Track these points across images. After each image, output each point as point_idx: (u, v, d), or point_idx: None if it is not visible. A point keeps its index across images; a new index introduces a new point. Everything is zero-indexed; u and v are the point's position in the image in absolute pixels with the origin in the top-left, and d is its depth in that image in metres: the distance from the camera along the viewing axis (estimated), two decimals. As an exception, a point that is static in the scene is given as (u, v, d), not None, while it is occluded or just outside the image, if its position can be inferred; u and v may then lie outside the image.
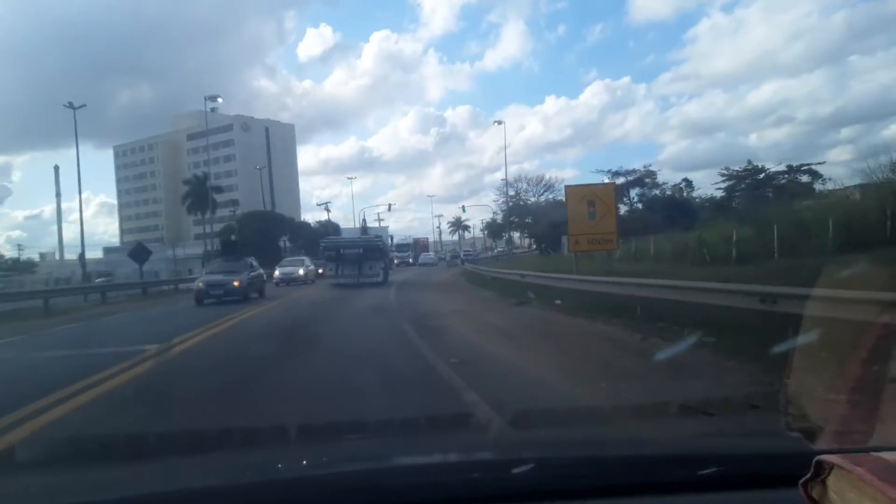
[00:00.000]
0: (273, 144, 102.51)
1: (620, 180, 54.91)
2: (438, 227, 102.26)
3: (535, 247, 77.33)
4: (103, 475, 2.14)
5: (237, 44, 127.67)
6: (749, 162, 48.38)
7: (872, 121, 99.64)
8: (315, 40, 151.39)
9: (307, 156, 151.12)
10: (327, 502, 1.55)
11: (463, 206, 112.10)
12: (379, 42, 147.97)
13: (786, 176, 46.45)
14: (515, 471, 1.56)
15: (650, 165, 58.47)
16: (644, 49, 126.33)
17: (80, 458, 3.95)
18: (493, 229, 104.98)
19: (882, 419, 2.27)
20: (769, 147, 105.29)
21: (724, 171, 48.51)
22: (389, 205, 77.18)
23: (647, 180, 56.66)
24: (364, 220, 44.10)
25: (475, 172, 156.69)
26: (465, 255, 62.87)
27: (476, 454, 2.20)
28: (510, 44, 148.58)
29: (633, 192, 56.34)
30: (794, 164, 47.47)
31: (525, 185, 74.60)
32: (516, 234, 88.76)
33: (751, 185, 46.25)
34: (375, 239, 30.54)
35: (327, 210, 58.49)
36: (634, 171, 56.82)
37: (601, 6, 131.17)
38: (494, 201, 75.84)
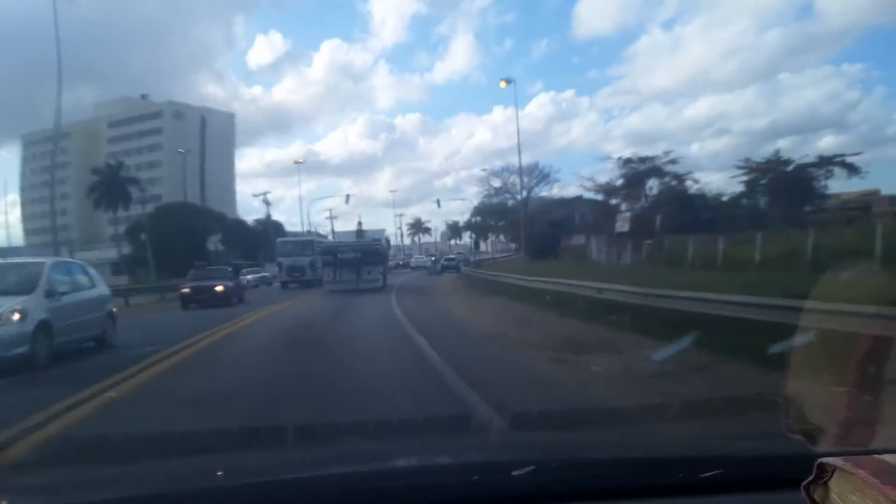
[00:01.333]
0: (210, 135, 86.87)
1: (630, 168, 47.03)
2: (400, 228, 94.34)
3: (513, 249, 69.64)
4: (103, 475, 2.13)
5: (184, 48, 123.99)
6: (776, 153, 41.90)
7: (806, 133, 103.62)
8: (265, 47, 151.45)
9: (252, 159, 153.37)
10: None
11: (438, 201, 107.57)
12: (330, 51, 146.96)
13: (816, 169, 39.99)
14: (515, 473, 1.56)
15: (672, 153, 46.90)
16: (587, 63, 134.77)
17: (79, 458, 3.94)
18: (455, 231, 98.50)
19: (884, 421, 2.26)
20: (710, 156, 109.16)
21: (743, 163, 42.36)
22: (347, 195, 67.71)
23: (668, 169, 45.78)
24: (360, 223, 43.21)
25: (423, 177, 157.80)
26: (446, 261, 54.43)
27: (475, 456, 2.20)
28: (459, 56, 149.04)
29: (649, 184, 46.82)
30: (827, 154, 41.22)
31: (511, 178, 59.33)
32: (489, 238, 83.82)
33: (777, 179, 40.03)
34: (374, 243, 29.33)
35: (266, 203, 52.38)
36: (651, 158, 46.83)
37: (547, 21, 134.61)
38: (478, 192, 64.63)
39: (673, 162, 46.03)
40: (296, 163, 50.36)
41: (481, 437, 4.08)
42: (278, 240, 40.46)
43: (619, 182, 47.38)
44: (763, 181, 41.76)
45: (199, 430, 4.48)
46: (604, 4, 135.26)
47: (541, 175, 58.78)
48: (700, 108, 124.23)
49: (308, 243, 36.23)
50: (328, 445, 3.71)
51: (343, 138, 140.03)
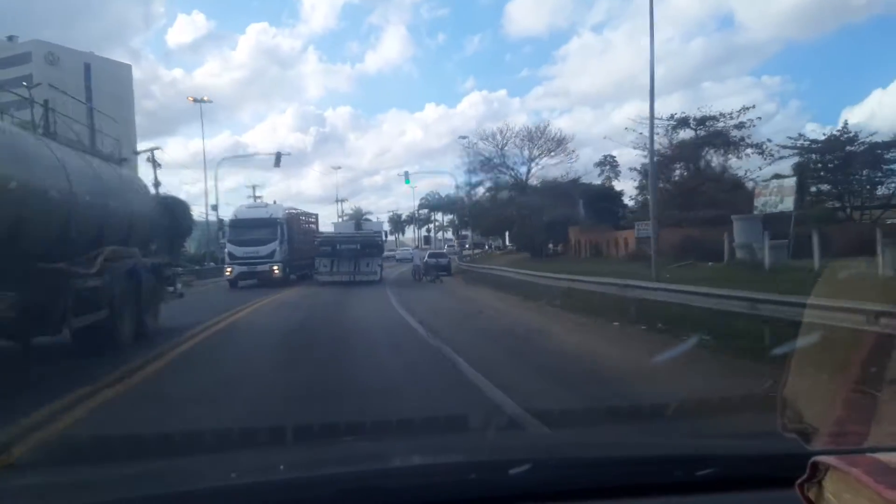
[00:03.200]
0: (99, 87, 64.28)
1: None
2: (340, 217, 74.26)
3: (496, 245, 62.35)
4: (103, 475, 2.14)
5: (95, 23, 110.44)
6: (845, 124, 32.33)
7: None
8: (187, 27, 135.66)
9: (176, 147, 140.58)
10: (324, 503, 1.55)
11: (406, 173, 69.08)
12: (256, 34, 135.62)
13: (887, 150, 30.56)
14: (512, 472, 1.56)
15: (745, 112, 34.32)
16: (519, 63, 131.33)
17: (78, 458, 3.94)
18: (397, 225, 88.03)
19: (878, 420, 2.28)
20: (634, 161, 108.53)
21: (793, 141, 32.77)
22: (278, 153, 47.59)
23: (734, 135, 34.52)
24: (360, 213, 41.85)
25: (354, 174, 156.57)
26: (432, 257, 48.43)
27: (473, 455, 2.20)
28: (391, 47, 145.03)
29: (707, 153, 35.41)
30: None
31: (508, 143, 45.65)
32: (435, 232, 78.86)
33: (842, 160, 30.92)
34: (374, 234, 28.65)
35: (154, 163, 32.22)
36: (717, 117, 34.56)
37: (480, 17, 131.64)
38: (461, 164, 50.12)
39: (741, 126, 34.14)
40: (195, 101, 42.37)
41: (478, 436, 4.09)
42: (228, 219, 29.01)
43: (669, 151, 35.53)
44: (820, 162, 32.02)
45: (199, 429, 4.49)
46: (536, 4, 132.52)
47: (554, 142, 43.67)
48: (628, 112, 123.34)
49: (270, 222, 25.72)
50: (326, 445, 3.71)
51: (272, 130, 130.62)
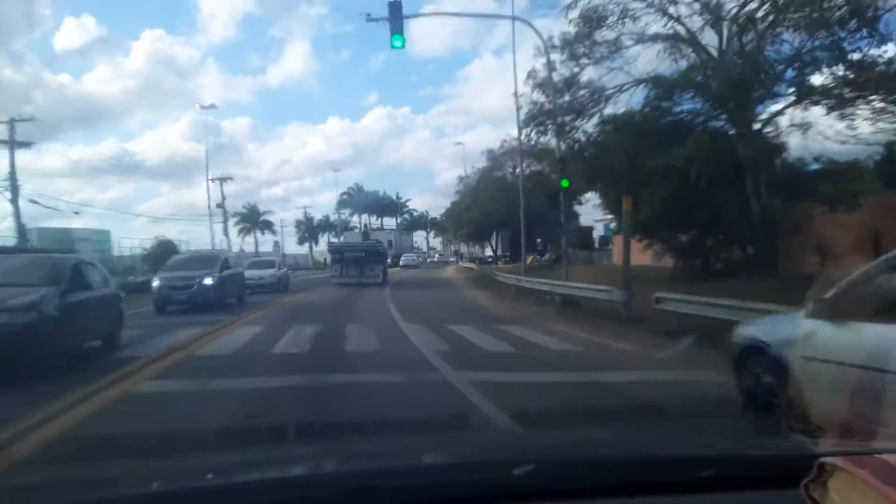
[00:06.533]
0: None
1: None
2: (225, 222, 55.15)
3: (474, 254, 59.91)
4: (103, 474, 2.14)
5: None
6: None
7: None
8: (75, 31, 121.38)
9: (54, 156, 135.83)
10: (326, 502, 1.55)
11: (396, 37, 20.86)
12: (151, 41, 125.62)
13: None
14: (516, 471, 1.56)
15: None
16: (423, 81, 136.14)
17: (83, 455, 3.95)
18: (310, 230, 79.02)
19: (884, 421, 2.26)
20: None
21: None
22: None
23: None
24: (366, 226, 43.85)
25: (253, 186, 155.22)
26: (407, 259, 45.92)
27: (476, 454, 2.20)
28: (294, 61, 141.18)
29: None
30: None
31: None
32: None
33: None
34: (376, 243, 34.09)
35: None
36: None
37: (384, 35, 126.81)
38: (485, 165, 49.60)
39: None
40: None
41: (481, 436, 4.09)
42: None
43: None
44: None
45: (200, 427, 4.50)
46: (438, 27, 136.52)
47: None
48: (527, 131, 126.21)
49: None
50: (328, 443, 3.71)
51: (163, 138, 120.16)
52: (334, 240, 42.90)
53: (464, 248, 73.96)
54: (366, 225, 42.14)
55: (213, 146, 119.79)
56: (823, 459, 1.15)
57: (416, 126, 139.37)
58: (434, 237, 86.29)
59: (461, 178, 49.68)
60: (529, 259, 33.39)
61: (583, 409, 5.29)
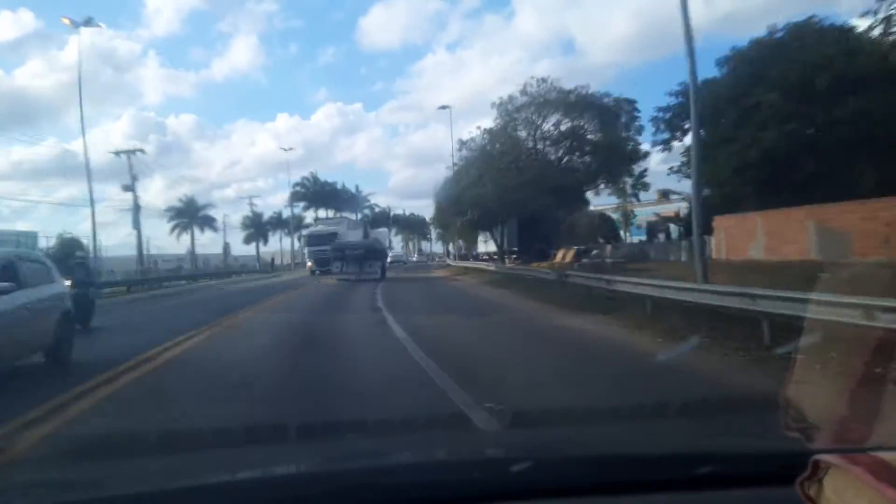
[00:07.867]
0: None
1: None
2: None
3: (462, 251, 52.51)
4: (103, 473, 2.14)
5: None
6: None
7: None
8: (5, 22, 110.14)
9: None
10: (326, 501, 1.56)
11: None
12: (89, 35, 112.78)
13: None
14: (515, 469, 1.57)
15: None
16: (374, 76, 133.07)
17: (82, 454, 3.95)
18: (257, 226, 70.17)
19: (880, 419, 2.28)
20: None
21: None
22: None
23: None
24: (367, 226, 43.44)
25: (202, 187, 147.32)
26: (396, 256, 42.21)
27: (475, 453, 2.21)
28: (240, 56, 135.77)
29: None
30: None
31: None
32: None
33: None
34: (375, 242, 35.37)
35: None
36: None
37: (334, 29, 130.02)
38: (493, 125, 35.27)
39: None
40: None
41: (480, 434, 4.10)
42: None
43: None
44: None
45: (201, 426, 4.50)
46: (389, 20, 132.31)
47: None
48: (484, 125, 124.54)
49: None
50: (328, 441, 3.72)
51: (104, 137, 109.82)
52: (314, 229, 42.25)
53: (444, 246, 65.53)
54: (366, 226, 41.21)
55: (158, 145, 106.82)
56: (818, 457, 1.16)
57: (368, 122, 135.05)
58: (395, 234, 78.77)
59: (462, 143, 37.08)
60: (555, 259, 30.30)
61: None
